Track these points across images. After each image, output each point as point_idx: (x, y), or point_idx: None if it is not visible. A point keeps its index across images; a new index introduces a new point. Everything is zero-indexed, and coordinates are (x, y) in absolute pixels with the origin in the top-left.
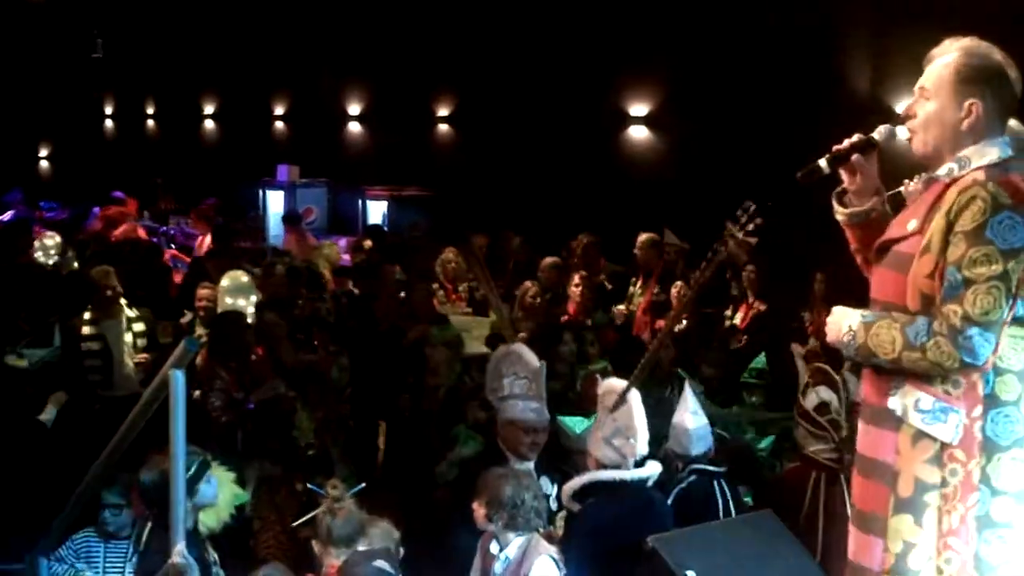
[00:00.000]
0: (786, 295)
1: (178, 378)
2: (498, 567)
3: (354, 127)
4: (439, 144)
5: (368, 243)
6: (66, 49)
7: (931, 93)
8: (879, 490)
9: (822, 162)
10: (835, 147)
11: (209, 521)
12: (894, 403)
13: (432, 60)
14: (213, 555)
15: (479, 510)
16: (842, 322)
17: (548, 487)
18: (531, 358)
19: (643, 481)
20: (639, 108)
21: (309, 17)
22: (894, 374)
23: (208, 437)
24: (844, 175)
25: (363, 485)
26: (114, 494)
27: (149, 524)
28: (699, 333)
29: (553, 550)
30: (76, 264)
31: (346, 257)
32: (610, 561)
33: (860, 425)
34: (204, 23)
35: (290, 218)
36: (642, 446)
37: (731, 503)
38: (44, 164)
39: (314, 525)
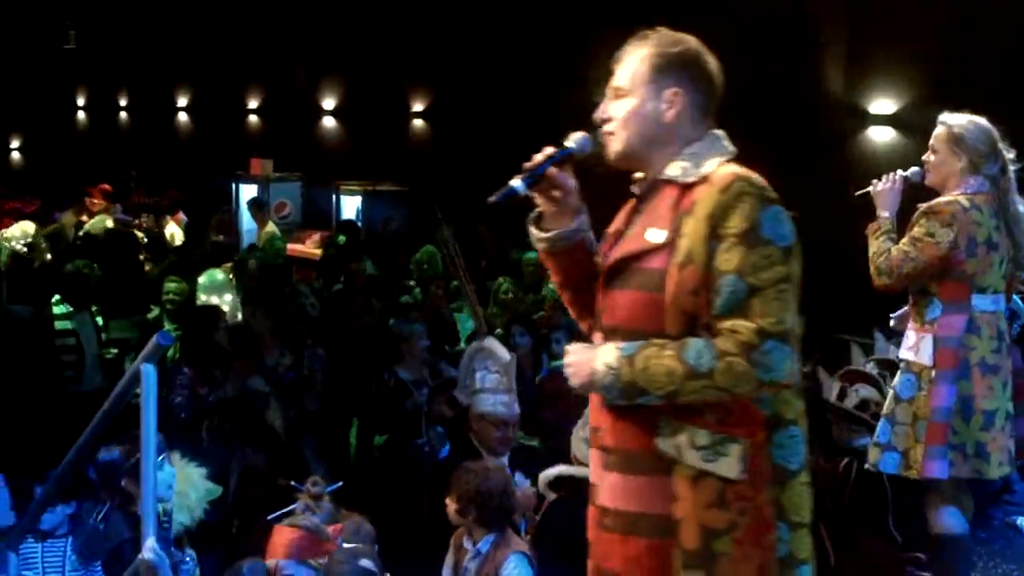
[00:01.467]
0: None
1: (149, 372)
2: (470, 562)
3: (328, 121)
4: (414, 139)
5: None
6: (38, 40)
7: (627, 90)
8: (652, 547)
9: (515, 182)
10: (526, 164)
11: (182, 518)
12: (665, 444)
13: (407, 55)
14: (189, 553)
15: (451, 505)
16: (594, 362)
17: (523, 482)
18: (502, 352)
19: None
20: None
21: (284, 10)
22: (657, 411)
23: (173, 432)
24: (539, 195)
25: (340, 484)
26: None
27: (103, 509)
28: None
29: (524, 546)
30: (48, 256)
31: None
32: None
33: (606, 477)
34: (178, 15)
35: (255, 204)
36: None
37: None
38: (16, 156)
39: (291, 520)
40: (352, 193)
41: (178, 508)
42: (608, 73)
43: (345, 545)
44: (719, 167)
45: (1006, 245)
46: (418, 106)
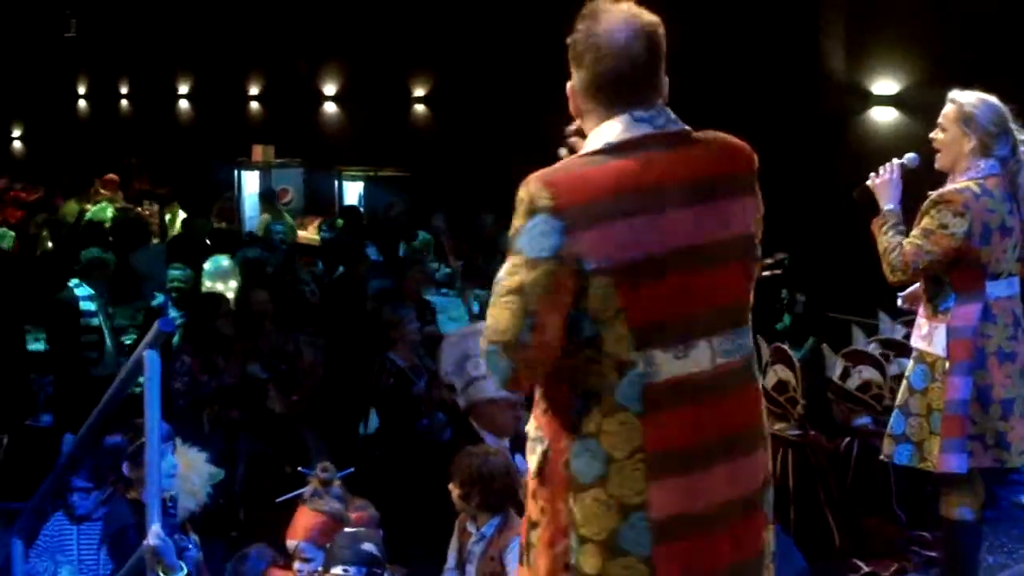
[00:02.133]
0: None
1: (152, 359)
2: (474, 546)
3: (330, 107)
4: (416, 125)
5: (340, 222)
6: (39, 29)
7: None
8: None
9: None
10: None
11: (187, 503)
12: (527, 428)
13: (408, 40)
14: (193, 539)
15: (454, 491)
16: None
17: (523, 465)
18: None
19: None
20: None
21: None
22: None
23: (174, 418)
24: None
25: (351, 469)
26: (81, 477)
27: (108, 492)
28: None
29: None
30: (50, 244)
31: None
32: None
33: None
34: (178, 2)
35: (265, 197)
36: None
37: None
38: (17, 144)
39: (314, 504)
40: (354, 179)
41: (182, 493)
42: None
43: (347, 529)
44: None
45: (1018, 227)
46: (419, 91)
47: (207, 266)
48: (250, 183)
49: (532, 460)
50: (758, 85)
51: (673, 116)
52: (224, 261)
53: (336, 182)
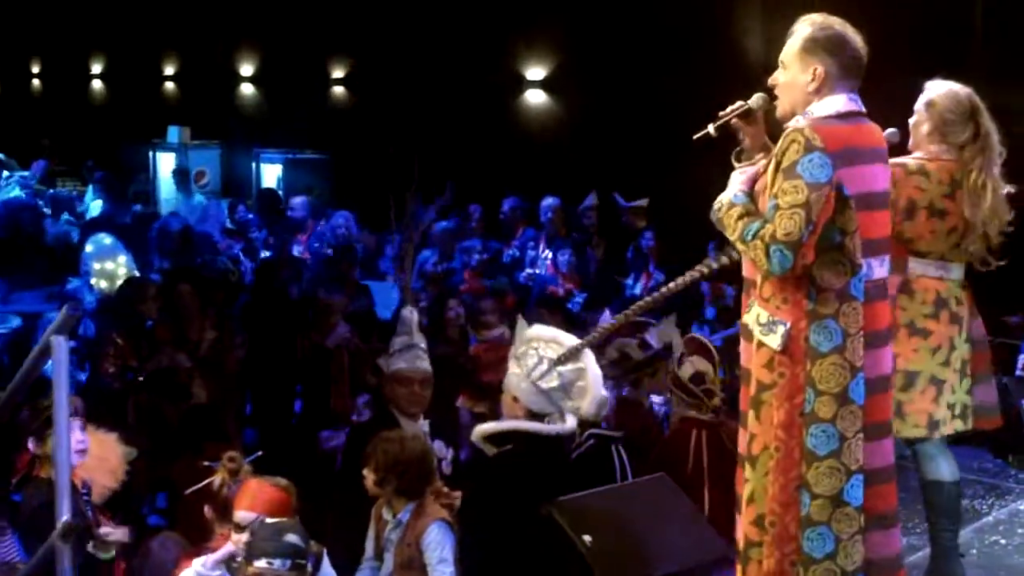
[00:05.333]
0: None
1: (60, 344)
2: (391, 532)
3: (247, 88)
4: (334, 106)
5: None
6: None
7: (786, 65)
8: (744, 391)
9: (711, 127)
10: (719, 113)
11: (106, 482)
12: (746, 318)
13: (326, 21)
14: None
15: (369, 476)
16: (725, 192)
17: (443, 451)
18: (406, 312)
19: (562, 439)
20: (536, 72)
21: None
22: (749, 296)
23: (98, 402)
24: (738, 135)
25: (260, 453)
26: None
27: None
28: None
29: (445, 513)
30: None
31: None
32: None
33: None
34: None
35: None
36: (588, 407)
37: (627, 468)
38: None
39: (207, 494)
40: (272, 161)
41: (100, 473)
42: None
43: (268, 520)
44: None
45: (957, 215)
46: (338, 73)
47: (89, 248)
48: (165, 164)
49: (774, 338)
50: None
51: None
52: (106, 239)
53: (254, 164)
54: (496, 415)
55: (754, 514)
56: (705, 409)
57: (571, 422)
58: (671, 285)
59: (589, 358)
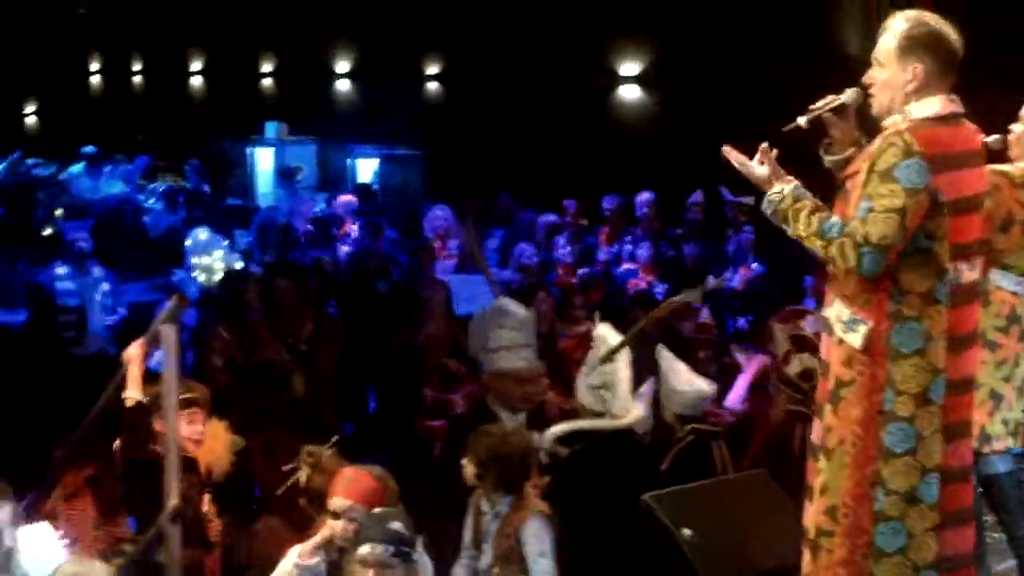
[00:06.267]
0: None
1: (170, 333)
2: (490, 524)
3: (343, 84)
4: (428, 103)
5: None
6: (52, 5)
7: (881, 63)
8: (822, 384)
9: (800, 120)
10: (811, 106)
11: (211, 469)
12: (828, 313)
13: (421, 18)
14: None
15: (468, 468)
16: (777, 180)
17: (540, 442)
18: (517, 309)
19: (627, 432)
20: (630, 67)
21: None
22: (831, 292)
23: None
24: (829, 129)
25: (336, 437)
26: None
27: None
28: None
29: (544, 506)
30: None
31: None
32: (595, 511)
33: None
34: None
35: (283, 174)
36: (620, 405)
37: (728, 463)
38: (31, 120)
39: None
40: (367, 156)
41: (207, 460)
42: None
43: (376, 510)
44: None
45: None
46: (432, 69)
47: (188, 243)
48: (263, 160)
49: (855, 337)
50: (772, 60)
51: None
52: (203, 234)
53: (349, 159)
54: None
55: (826, 504)
56: (811, 405)
57: (634, 415)
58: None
59: (624, 359)
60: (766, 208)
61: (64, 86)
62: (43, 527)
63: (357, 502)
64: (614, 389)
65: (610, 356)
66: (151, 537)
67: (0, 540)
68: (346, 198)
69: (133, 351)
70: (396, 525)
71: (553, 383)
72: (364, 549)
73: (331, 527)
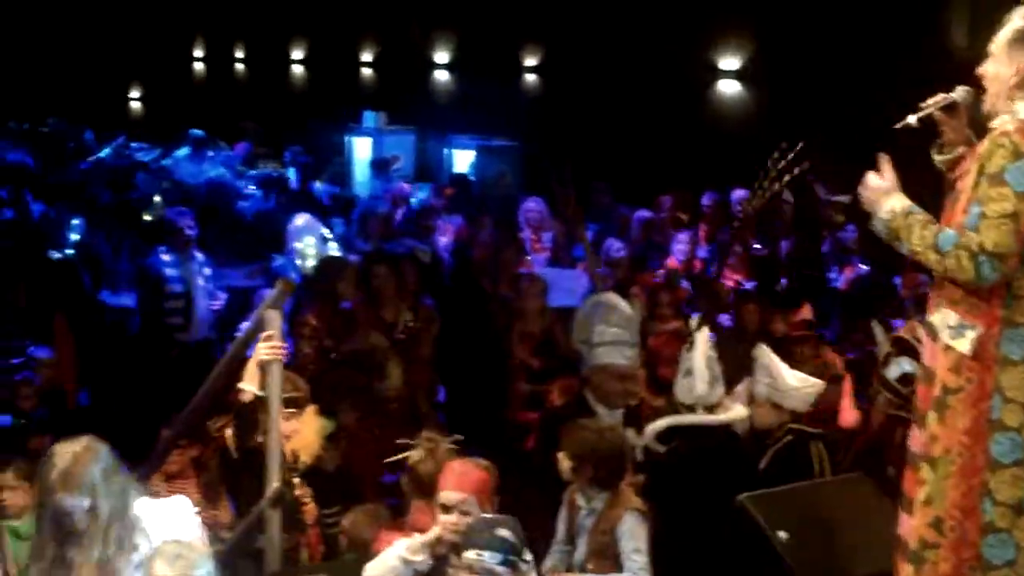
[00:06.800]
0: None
1: (274, 319)
2: (584, 519)
3: (441, 75)
4: (526, 94)
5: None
6: None
7: (993, 56)
8: (924, 391)
9: (911, 118)
10: (922, 104)
11: (304, 456)
12: (933, 318)
13: (520, 9)
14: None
15: (564, 462)
16: (887, 199)
17: (634, 439)
18: (624, 306)
19: (724, 427)
20: (730, 62)
21: None
22: (937, 296)
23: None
24: (940, 128)
25: (459, 436)
26: None
27: None
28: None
29: (640, 503)
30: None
31: None
32: (691, 509)
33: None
34: None
35: (377, 164)
36: (701, 387)
37: (826, 464)
38: (136, 105)
39: (403, 468)
40: (464, 147)
41: (298, 446)
42: None
43: (485, 515)
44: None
45: None
46: (531, 61)
47: (288, 228)
48: (361, 149)
49: (963, 342)
50: (874, 57)
51: None
52: (299, 219)
53: (446, 150)
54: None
55: (931, 516)
56: (909, 410)
57: (734, 412)
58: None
59: (701, 339)
60: (876, 225)
61: (168, 72)
62: (180, 499)
63: (469, 494)
64: (694, 373)
65: (691, 343)
66: (251, 521)
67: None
68: (443, 189)
69: (262, 347)
70: (506, 533)
71: (644, 381)
72: (471, 555)
73: (442, 524)
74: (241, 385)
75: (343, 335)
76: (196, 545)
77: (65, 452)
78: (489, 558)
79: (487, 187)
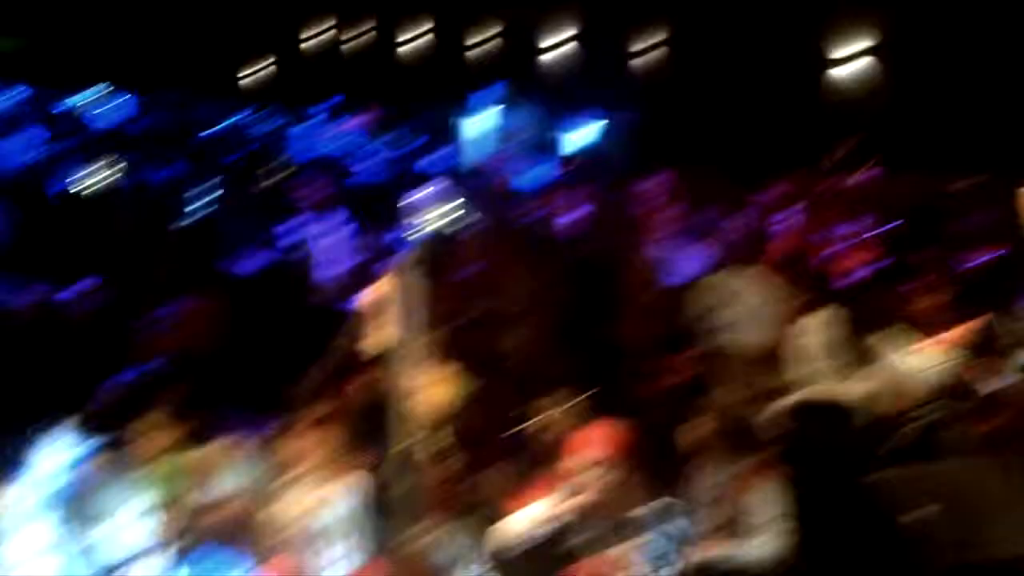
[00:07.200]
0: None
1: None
2: (714, 490)
3: (563, 50)
4: (648, 71)
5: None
6: None
7: None
8: None
9: None
10: None
11: (434, 415)
12: None
13: None
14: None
15: (706, 426)
16: None
17: (769, 414)
18: (746, 286)
19: (853, 404)
20: (854, 45)
21: None
22: None
23: None
24: None
25: (583, 397)
26: None
27: None
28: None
29: (771, 476)
30: None
31: None
32: (823, 484)
33: None
34: None
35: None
36: (821, 367)
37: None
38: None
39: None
40: (586, 122)
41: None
42: None
43: (666, 498)
44: None
45: None
46: (654, 39)
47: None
48: (482, 121)
49: None
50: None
51: None
52: (420, 192)
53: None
54: None
55: None
56: None
57: (863, 388)
58: None
59: (815, 327)
60: None
61: (297, 43)
62: None
63: (607, 453)
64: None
65: None
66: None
67: None
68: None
69: (367, 301)
70: (684, 522)
71: None
72: (646, 536)
73: (582, 484)
74: (362, 344)
75: (471, 301)
76: (336, 489)
77: None
78: (665, 544)
79: (608, 161)
